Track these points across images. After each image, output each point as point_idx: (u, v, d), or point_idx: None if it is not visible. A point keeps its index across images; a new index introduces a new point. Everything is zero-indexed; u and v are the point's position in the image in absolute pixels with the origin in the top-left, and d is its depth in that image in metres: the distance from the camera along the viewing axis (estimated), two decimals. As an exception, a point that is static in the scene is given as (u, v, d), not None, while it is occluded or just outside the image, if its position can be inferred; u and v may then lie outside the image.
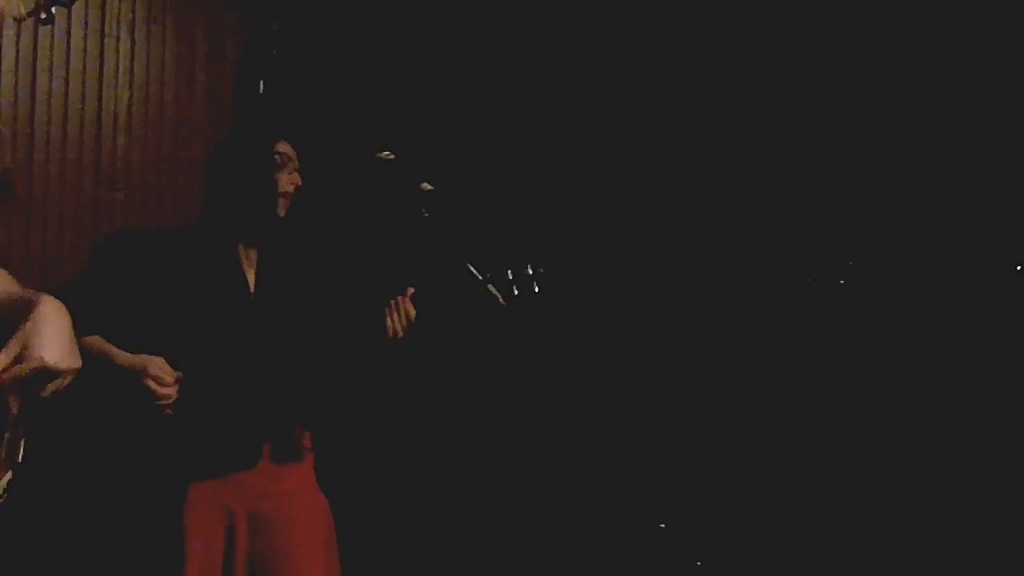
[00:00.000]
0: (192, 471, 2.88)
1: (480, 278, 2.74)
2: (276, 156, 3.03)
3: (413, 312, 2.93)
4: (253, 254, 3.08)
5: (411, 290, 2.94)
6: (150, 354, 2.87)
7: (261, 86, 4.07)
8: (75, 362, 2.06)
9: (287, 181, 3.02)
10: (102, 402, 2.93)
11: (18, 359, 1.98)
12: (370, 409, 3.74)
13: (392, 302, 2.93)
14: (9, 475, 2.20)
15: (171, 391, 2.82)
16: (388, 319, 2.93)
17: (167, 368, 2.84)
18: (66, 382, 2.06)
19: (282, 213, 3.03)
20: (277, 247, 3.12)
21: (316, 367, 2.98)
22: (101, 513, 3.27)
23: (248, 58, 4.15)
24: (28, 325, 2.01)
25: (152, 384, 2.80)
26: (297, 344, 2.97)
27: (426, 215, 2.81)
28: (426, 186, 2.83)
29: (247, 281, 3.05)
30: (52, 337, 2.02)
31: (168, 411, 2.82)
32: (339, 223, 2.98)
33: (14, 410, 2.19)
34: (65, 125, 3.82)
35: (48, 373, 2.01)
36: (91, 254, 3.04)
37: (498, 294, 2.71)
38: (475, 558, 3.97)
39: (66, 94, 3.81)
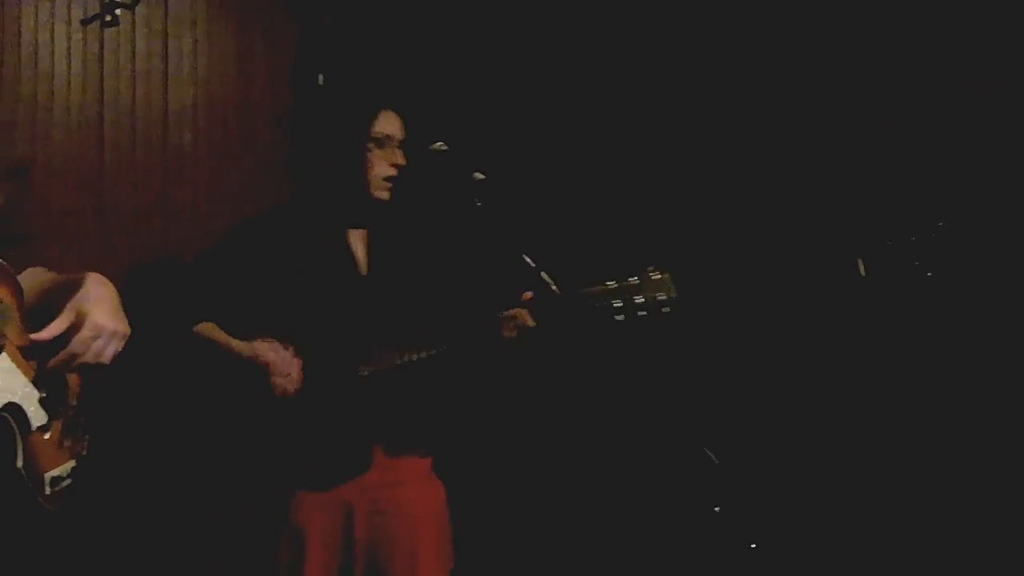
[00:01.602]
0: (304, 476, 2.89)
1: (533, 266, 2.75)
2: (372, 136, 3.00)
3: (531, 321, 2.88)
4: (362, 235, 3.07)
5: (528, 294, 2.90)
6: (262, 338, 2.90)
7: (320, 79, 4.12)
8: (124, 327, 2.16)
9: (386, 162, 3.01)
10: (215, 394, 2.97)
11: (72, 329, 2.08)
12: (483, 398, 3.70)
13: (510, 313, 2.88)
14: (73, 462, 2.27)
15: (294, 379, 2.87)
16: (504, 328, 2.88)
17: (285, 351, 2.87)
18: (118, 348, 2.15)
19: (383, 195, 3.01)
20: (387, 228, 3.09)
21: (430, 356, 2.92)
22: (215, 506, 3.35)
23: (304, 52, 4.19)
24: (78, 295, 2.11)
25: (277, 380, 2.85)
26: (411, 330, 2.93)
27: (478, 204, 2.82)
28: (478, 175, 2.84)
29: (357, 264, 3.04)
30: (101, 303, 2.12)
31: (288, 393, 2.85)
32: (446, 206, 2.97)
33: (74, 391, 2.28)
34: (133, 124, 3.91)
35: (103, 335, 2.10)
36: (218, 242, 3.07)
37: (551, 282, 2.72)
38: (582, 552, 3.97)
39: (133, 94, 3.90)
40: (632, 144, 4.07)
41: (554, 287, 2.71)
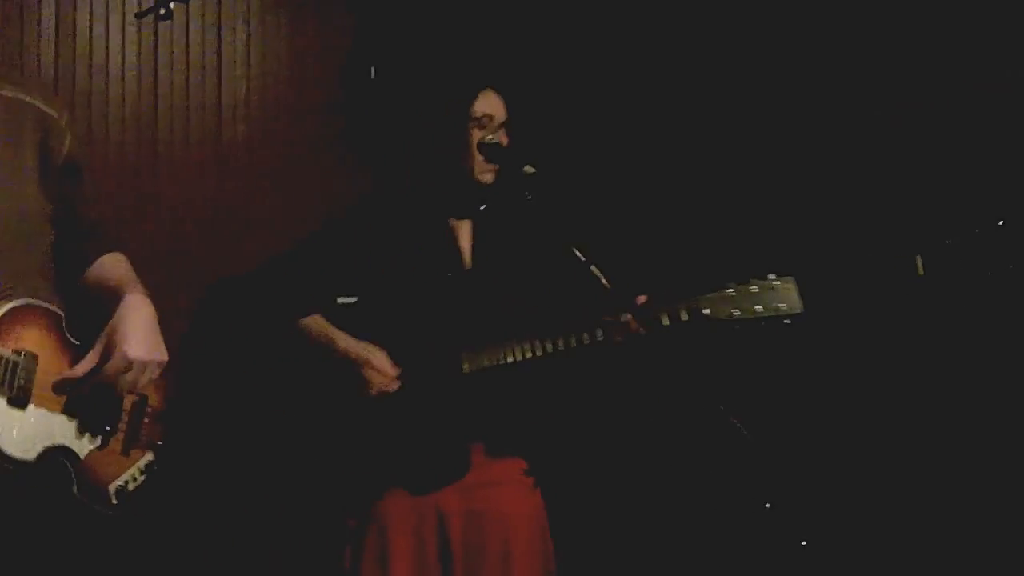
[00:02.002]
0: (400, 477, 2.84)
1: (584, 260, 2.71)
2: (473, 117, 2.92)
3: (642, 329, 2.74)
4: (468, 227, 3.01)
5: (642, 298, 2.80)
6: (363, 334, 2.86)
7: (373, 72, 4.11)
8: (159, 355, 2.19)
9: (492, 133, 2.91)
10: (312, 388, 2.94)
11: (106, 356, 2.12)
12: (586, 400, 3.62)
13: (622, 319, 2.76)
14: (142, 463, 2.31)
15: (393, 386, 2.82)
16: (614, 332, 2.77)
17: (387, 362, 2.82)
18: (154, 375, 2.19)
19: (487, 178, 2.92)
20: (492, 218, 3.01)
21: (534, 354, 2.83)
22: (305, 503, 3.34)
23: (359, 44, 4.18)
24: (111, 323, 2.15)
25: (373, 375, 2.81)
26: (514, 327, 2.85)
27: (529, 198, 2.79)
28: (529, 169, 2.81)
29: (462, 257, 2.97)
30: (134, 333, 2.15)
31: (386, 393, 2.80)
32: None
33: (127, 406, 2.30)
34: (187, 117, 3.92)
35: (134, 367, 2.13)
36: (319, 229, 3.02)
37: (602, 276, 2.68)
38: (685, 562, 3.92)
39: (187, 87, 3.92)
40: (710, 141, 4.01)
41: (604, 282, 2.68)
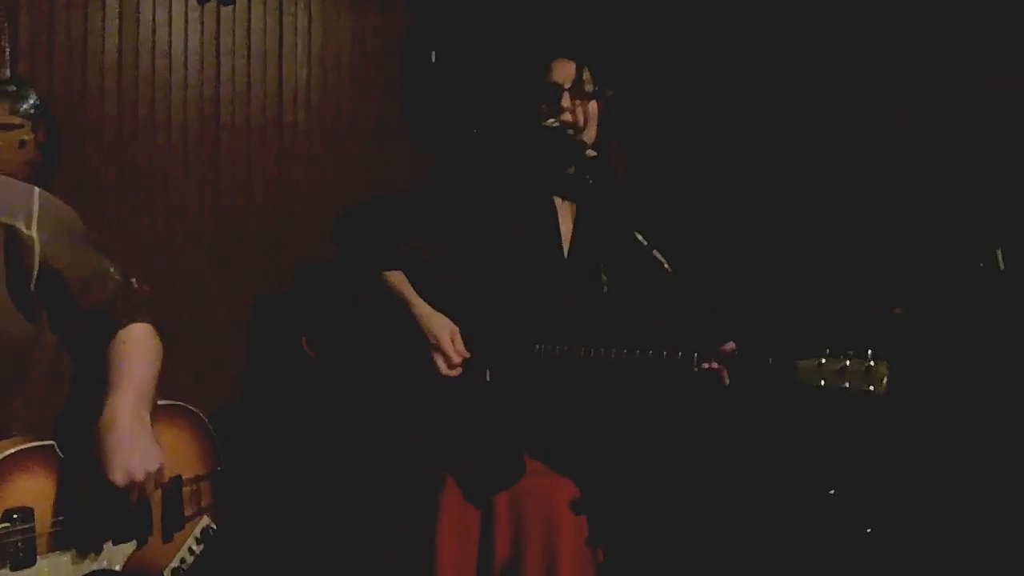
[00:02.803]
0: (452, 465, 2.80)
1: (646, 244, 2.68)
2: (547, 85, 2.81)
3: (727, 380, 2.63)
4: (571, 209, 2.91)
5: (730, 345, 2.65)
6: (446, 306, 2.77)
7: (433, 56, 4.11)
8: (148, 466, 2.06)
9: (569, 110, 2.80)
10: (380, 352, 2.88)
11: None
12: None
13: (708, 366, 2.63)
14: (192, 540, 2.32)
15: (455, 372, 2.76)
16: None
17: (459, 344, 2.75)
18: (159, 479, 2.12)
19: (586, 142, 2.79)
20: (596, 201, 2.86)
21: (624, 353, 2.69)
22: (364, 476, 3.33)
23: (417, 29, 4.17)
24: (96, 446, 2.05)
25: (439, 361, 2.75)
26: (608, 321, 2.77)
27: (590, 182, 2.76)
28: (591, 152, 2.78)
29: (561, 240, 2.87)
30: (112, 456, 2.04)
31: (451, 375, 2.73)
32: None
33: (155, 500, 2.23)
34: (248, 102, 3.95)
35: (132, 489, 2.06)
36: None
37: (664, 260, 2.65)
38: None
39: (248, 73, 3.94)
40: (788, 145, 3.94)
41: (667, 266, 2.65)
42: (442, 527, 2.78)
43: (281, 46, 4.00)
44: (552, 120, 2.84)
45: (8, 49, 3.47)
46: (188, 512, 2.30)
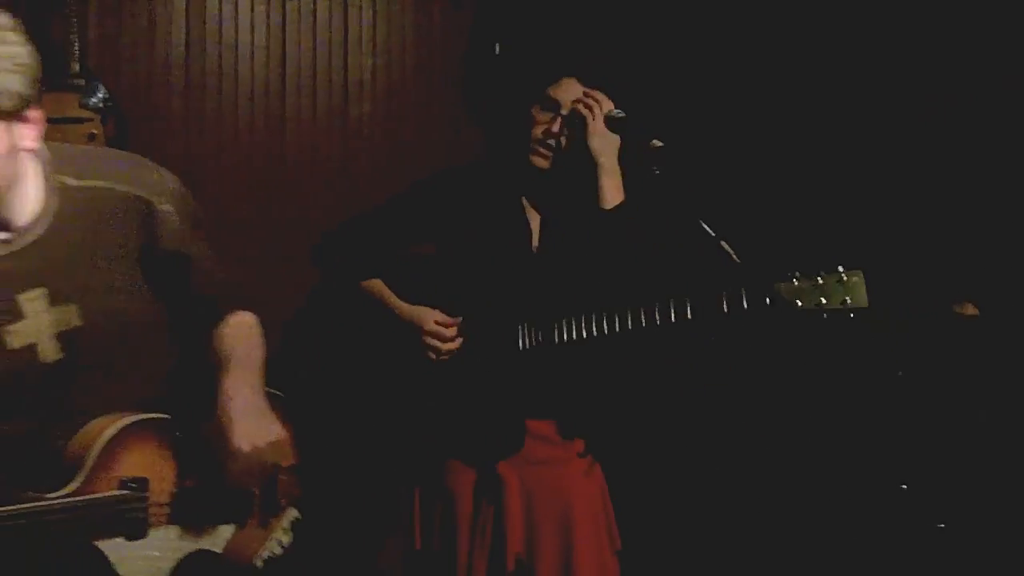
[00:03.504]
0: (456, 447, 2.86)
1: (713, 235, 2.65)
2: (543, 97, 2.88)
3: None
4: (535, 205, 2.97)
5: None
6: (424, 301, 2.88)
7: (497, 48, 4.09)
8: (270, 436, 2.05)
9: (548, 127, 2.86)
10: (372, 356, 2.96)
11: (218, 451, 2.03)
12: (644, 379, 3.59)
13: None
14: (282, 529, 2.30)
15: (452, 346, 2.84)
16: None
17: (445, 320, 2.84)
18: (277, 456, 2.11)
19: (539, 162, 2.87)
20: (561, 198, 2.96)
21: (596, 334, 2.77)
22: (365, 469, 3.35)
23: (481, 21, 4.16)
24: (216, 417, 2.04)
25: (431, 341, 2.83)
26: (578, 308, 2.79)
27: (657, 172, 2.73)
28: (656, 143, 2.76)
29: (530, 234, 2.94)
30: (238, 424, 2.03)
31: (444, 359, 2.82)
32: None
33: (257, 492, 2.23)
34: (313, 95, 3.96)
35: (253, 462, 2.05)
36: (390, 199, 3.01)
37: (731, 251, 2.62)
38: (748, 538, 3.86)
39: (314, 64, 3.96)
40: (825, 120, 3.88)
41: (735, 257, 2.62)
42: (459, 523, 2.82)
43: (346, 38, 4.01)
44: (617, 111, 2.82)
45: (77, 43, 3.51)
46: (281, 502, 2.30)
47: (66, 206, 1.94)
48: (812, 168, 3.86)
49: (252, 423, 2.03)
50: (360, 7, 4.03)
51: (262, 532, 2.24)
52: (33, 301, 1.89)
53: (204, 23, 3.77)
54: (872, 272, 2.64)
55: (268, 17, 3.88)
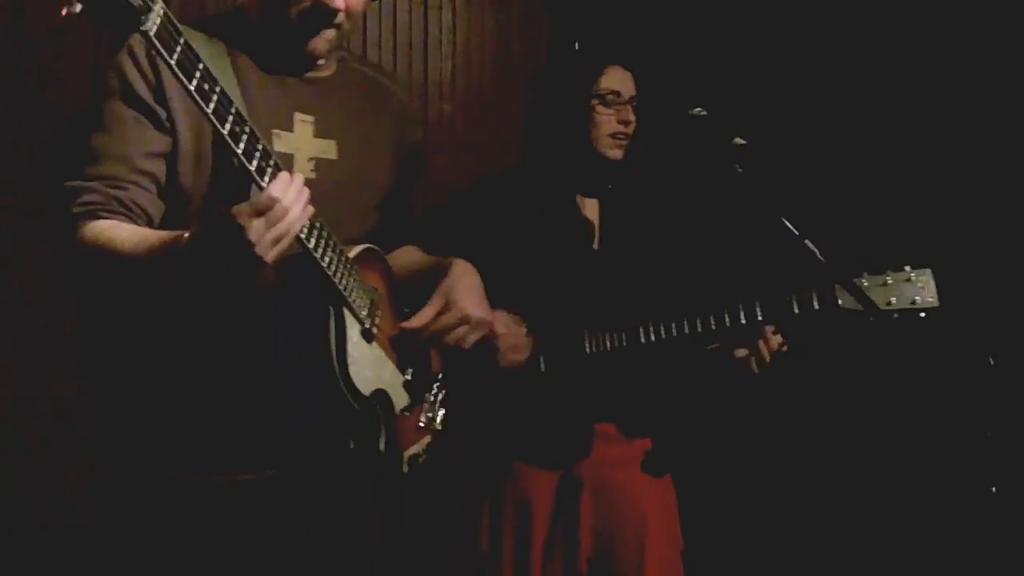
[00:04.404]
0: (527, 451, 2.83)
1: (796, 233, 2.64)
2: (596, 93, 2.88)
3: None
4: (595, 204, 2.97)
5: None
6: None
7: (576, 47, 4.09)
8: (490, 316, 2.28)
9: (614, 119, 2.88)
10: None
11: (442, 310, 2.19)
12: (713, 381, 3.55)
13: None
14: (429, 439, 2.36)
15: (522, 355, 2.80)
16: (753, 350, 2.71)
17: (513, 323, 2.80)
18: (481, 333, 2.26)
19: (614, 153, 2.88)
20: (619, 197, 2.96)
21: (666, 334, 2.77)
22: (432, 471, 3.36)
23: (561, 22, 4.17)
24: (447, 281, 2.23)
25: (499, 343, 2.78)
26: (645, 308, 2.79)
27: (739, 170, 2.72)
28: (739, 141, 2.75)
29: (590, 235, 2.94)
30: (470, 292, 2.24)
31: (514, 365, 2.78)
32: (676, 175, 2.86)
33: (436, 368, 2.37)
34: (394, 95, 3.99)
35: (470, 323, 2.21)
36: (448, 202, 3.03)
37: (815, 249, 2.60)
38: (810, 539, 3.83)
39: (394, 66, 3.99)
40: (909, 120, 3.84)
41: (819, 256, 2.60)
42: (533, 525, 2.80)
43: (426, 40, 4.04)
44: (699, 109, 2.82)
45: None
46: (434, 413, 2.39)
47: (346, 73, 2.28)
48: (876, 166, 3.82)
49: (483, 299, 2.28)
50: (440, 8, 4.06)
51: (416, 431, 2.32)
52: (303, 123, 2.13)
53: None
54: (940, 270, 2.64)
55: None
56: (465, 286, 2.23)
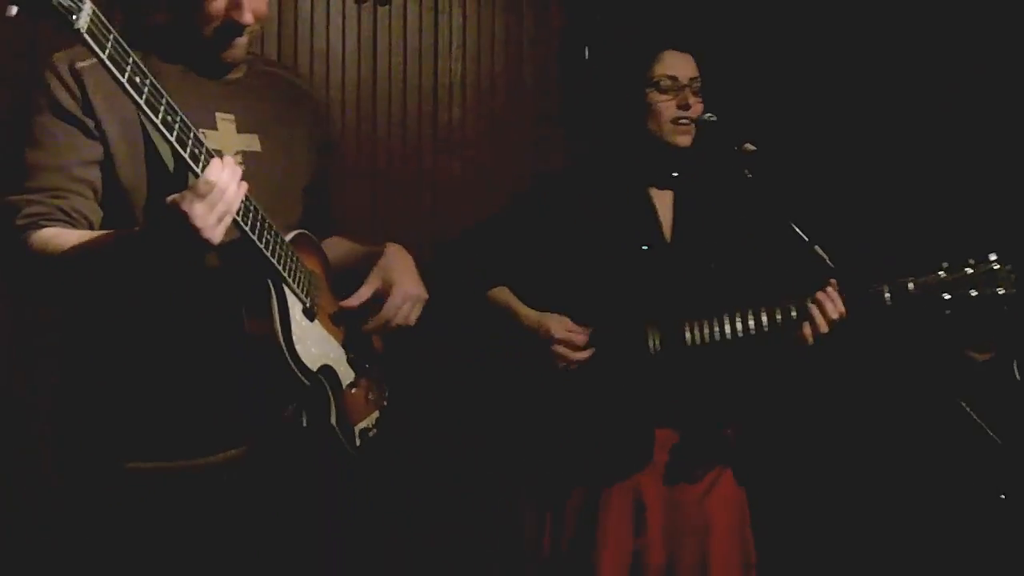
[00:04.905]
0: (591, 460, 2.76)
1: (806, 239, 2.62)
2: (652, 80, 2.80)
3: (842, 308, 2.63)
4: (668, 196, 2.88)
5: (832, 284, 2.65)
6: (554, 311, 2.77)
7: (586, 52, 4.08)
8: (425, 292, 2.35)
9: (673, 105, 2.79)
10: (501, 363, 2.89)
11: (377, 294, 2.29)
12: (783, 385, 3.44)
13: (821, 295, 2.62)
14: (377, 413, 2.43)
15: (582, 356, 2.75)
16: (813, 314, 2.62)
17: (574, 328, 2.75)
18: (418, 312, 2.33)
19: (680, 140, 2.78)
20: (693, 187, 2.87)
21: (742, 334, 2.70)
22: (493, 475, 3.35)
23: (572, 26, 4.15)
24: (381, 262, 2.33)
25: (561, 349, 2.74)
26: (721, 305, 2.72)
27: (749, 176, 2.70)
28: (749, 147, 2.72)
29: (662, 229, 2.85)
30: (406, 272, 2.34)
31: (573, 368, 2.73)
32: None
33: (379, 346, 2.46)
34: (404, 100, 3.99)
35: (410, 300, 2.30)
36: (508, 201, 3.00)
37: (824, 255, 2.58)
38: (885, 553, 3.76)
39: (404, 70, 3.99)
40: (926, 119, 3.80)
41: (829, 262, 2.58)
42: (598, 535, 2.75)
43: (436, 44, 4.03)
44: (710, 115, 2.79)
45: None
46: (381, 388, 2.48)
47: (258, 76, 2.35)
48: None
49: (417, 277, 2.35)
50: (450, 12, 4.05)
51: (364, 405, 2.39)
52: (224, 121, 2.21)
53: (296, 30, 3.81)
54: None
55: (359, 24, 3.92)
56: (401, 266, 2.33)
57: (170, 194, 1.84)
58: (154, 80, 1.79)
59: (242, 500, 2.18)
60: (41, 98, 2.05)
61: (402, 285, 2.30)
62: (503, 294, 2.86)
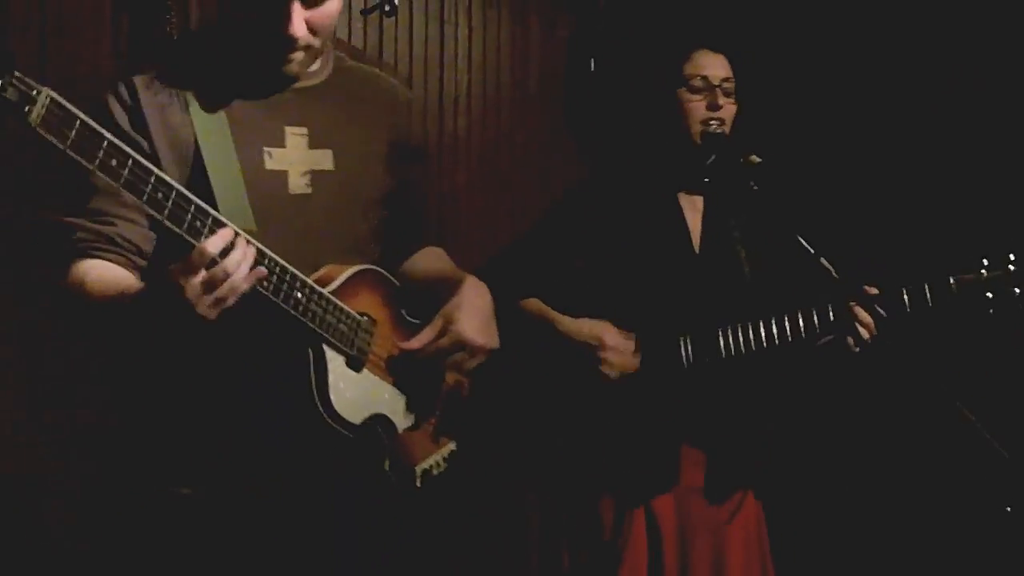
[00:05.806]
0: (620, 474, 2.73)
1: (812, 251, 2.61)
2: (683, 81, 2.77)
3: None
4: (698, 201, 2.86)
5: (872, 290, 2.61)
6: (595, 313, 2.73)
7: (592, 64, 4.09)
8: (492, 342, 2.19)
9: (701, 108, 2.75)
10: (541, 373, 2.83)
11: (441, 333, 2.14)
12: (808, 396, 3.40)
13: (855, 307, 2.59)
14: (446, 451, 2.32)
15: (634, 363, 2.70)
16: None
17: (626, 335, 2.71)
18: (480, 360, 2.19)
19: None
20: (723, 191, 2.83)
21: (772, 347, 2.67)
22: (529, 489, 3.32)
23: (578, 37, 4.16)
24: (452, 301, 2.16)
25: (612, 356, 2.68)
26: (750, 314, 2.69)
27: (755, 188, 2.70)
28: (755, 159, 2.72)
29: (690, 235, 2.82)
30: (473, 316, 2.16)
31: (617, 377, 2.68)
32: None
33: (442, 387, 2.30)
34: (409, 110, 3.98)
35: (466, 349, 2.15)
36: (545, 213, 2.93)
37: (830, 267, 2.58)
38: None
39: (410, 80, 3.98)
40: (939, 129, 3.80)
41: (834, 274, 2.58)
42: (621, 551, 2.72)
43: (442, 55, 4.03)
44: (715, 125, 2.79)
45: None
46: (448, 426, 2.34)
47: (341, 74, 2.22)
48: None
49: (487, 324, 2.19)
50: (456, 23, 4.06)
51: (429, 444, 2.28)
52: (295, 136, 2.10)
53: (304, 41, 3.82)
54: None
55: (365, 34, 3.92)
56: (470, 309, 2.17)
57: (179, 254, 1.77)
58: (137, 159, 1.71)
59: (288, 524, 2.11)
60: (98, 115, 1.94)
61: (462, 330, 2.13)
62: (536, 304, 2.82)
